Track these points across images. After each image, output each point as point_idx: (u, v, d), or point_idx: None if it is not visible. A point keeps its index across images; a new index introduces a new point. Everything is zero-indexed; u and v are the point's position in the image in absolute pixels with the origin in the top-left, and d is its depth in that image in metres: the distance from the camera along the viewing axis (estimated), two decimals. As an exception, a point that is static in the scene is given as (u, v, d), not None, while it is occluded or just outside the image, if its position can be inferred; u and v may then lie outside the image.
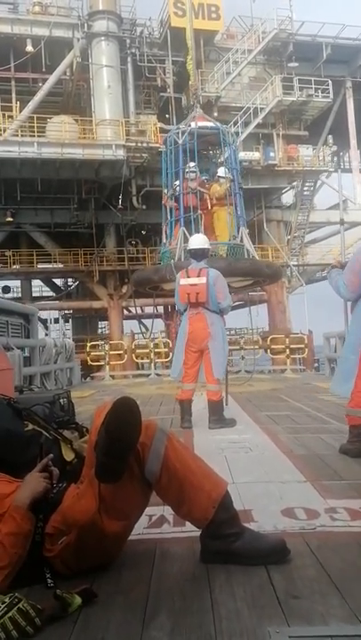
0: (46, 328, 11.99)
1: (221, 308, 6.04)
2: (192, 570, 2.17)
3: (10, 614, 1.71)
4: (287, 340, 16.70)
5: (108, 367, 16.12)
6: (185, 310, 6.07)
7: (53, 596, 1.82)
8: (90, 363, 17.81)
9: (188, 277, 6.00)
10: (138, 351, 17.56)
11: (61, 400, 3.94)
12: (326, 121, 30.76)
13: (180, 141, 12.29)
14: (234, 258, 12.09)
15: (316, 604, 1.85)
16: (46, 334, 11.60)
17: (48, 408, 3.24)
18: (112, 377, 15.70)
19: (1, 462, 2.39)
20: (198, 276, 5.93)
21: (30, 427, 2.68)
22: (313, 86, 28.46)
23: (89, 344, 18.40)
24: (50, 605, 1.79)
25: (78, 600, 1.85)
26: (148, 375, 15.43)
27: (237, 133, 27.18)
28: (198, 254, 6.20)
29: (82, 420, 3.04)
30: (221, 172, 12.90)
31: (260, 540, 2.27)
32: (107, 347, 17.08)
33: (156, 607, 1.87)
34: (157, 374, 15.28)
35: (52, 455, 2.33)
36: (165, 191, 13.15)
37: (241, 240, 12.70)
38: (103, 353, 16.63)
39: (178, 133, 12.49)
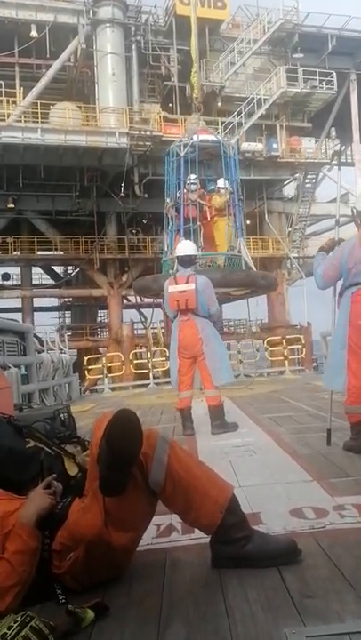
0: (42, 344, 11.95)
1: (210, 314, 6.03)
2: (204, 576, 2.17)
3: (23, 633, 1.69)
4: (284, 341, 16.78)
5: (106, 380, 16.09)
6: (175, 317, 6.07)
7: (65, 611, 1.82)
8: (89, 377, 17.85)
9: (177, 284, 5.99)
10: (136, 361, 17.59)
11: (62, 415, 3.95)
12: (330, 113, 30.68)
13: (183, 153, 12.42)
14: (230, 269, 12.21)
15: (331, 603, 1.85)
16: (43, 350, 11.58)
17: (49, 424, 3.24)
18: (111, 389, 15.64)
19: (3, 480, 2.38)
20: (187, 283, 5.91)
21: (32, 443, 2.67)
22: (317, 78, 28.33)
23: (87, 358, 18.39)
24: (63, 621, 1.78)
25: (91, 614, 1.85)
26: (147, 385, 15.43)
27: (241, 124, 27.18)
28: (185, 261, 6.18)
29: (83, 433, 3.03)
30: (221, 183, 13.06)
31: (271, 541, 2.27)
32: (104, 359, 17.10)
33: (170, 616, 1.86)
34: (156, 383, 15.19)
35: (55, 475, 2.31)
36: (168, 200, 13.31)
37: (239, 251, 12.83)
38: (101, 366, 16.63)
39: (180, 146, 12.64)
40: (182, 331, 5.94)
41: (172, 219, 13.14)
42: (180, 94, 27.63)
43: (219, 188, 12.93)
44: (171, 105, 27.90)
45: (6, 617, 1.78)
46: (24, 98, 25.07)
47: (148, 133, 25.61)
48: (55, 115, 25.00)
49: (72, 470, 2.54)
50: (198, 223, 12.26)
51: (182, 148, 12.59)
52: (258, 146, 28.08)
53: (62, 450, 2.66)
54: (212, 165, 14.31)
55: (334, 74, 28.40)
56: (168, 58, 28.15)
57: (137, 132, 25.38)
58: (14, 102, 24.84)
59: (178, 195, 12.80)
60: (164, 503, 2.20)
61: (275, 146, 28.47)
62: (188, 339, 5.88)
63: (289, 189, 32.82)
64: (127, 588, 2.13)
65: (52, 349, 12.51)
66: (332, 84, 28.47)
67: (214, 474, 2.27)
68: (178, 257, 6.36)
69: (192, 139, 12.63)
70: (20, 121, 24.40)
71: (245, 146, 27.64)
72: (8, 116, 24.27)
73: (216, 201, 12.67)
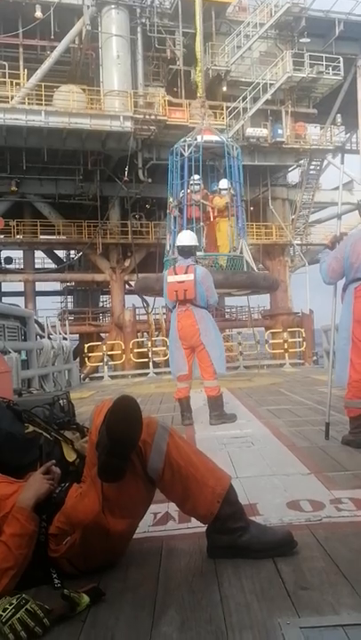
0: (43, 330, 11.95)
1: (209, 304, 6.06)
2: (200, 565, 2.19)
3: (18, 615, 1.70)
4: (285, 334, 16.79)
5: (106, 368, 16.15)
6: (173, 307, 6.09)
7: (61, 595, 1.83)
8: (89, 364, 17.86)
9: (176, 275, 6.00)
10: (136, 350, 17.63)
11: (61, 401, 3.97)
12: (336, 99, 30.39)
13: (187, 154, 12.35)
14: (233, 269, 12.21)
15: (326, 595, 1.86)
16: (43, 336, 11.56)
17: (48, 410, 3.20)
18: (111, 377, 15.69)
19: (2, 464, 2.40)
20: (186, 273, 5.92)
21: (31, 428, 2.66)
22: (324, 63, 28.02)
23: (87, 346, 18.41)
24: (58, 605, 1.79)
25: (86, 599, 1.86)
26: (147, 374, 15.48)
27: (246, 109, 26.97)
28: (185, 251, 6.19)
29: (82, 420, 3.03)
30: (223, 184, 13.01)
31: (267, 532, 2.28)
32: (104, 347, 17.17)
33: (165, 603, 1.88)
34: (156, 373, 15.25)
35: (54, 461, 2.32)
36: (171, 199, 13.29)
37: (241, 252, 12.82)
38: (102, 353, 16.68)
39: (185, 145, 12.58)
40: (180, 321, 5.95)
41: (175, 218, 13.12)
42: (185, 78, 27.38)
43: (220, 189, 12.91)
44: (176, 89, 27.67)
45: (2, 599, 1.80)
46: (28, 80, 24.82)
47: (153, 117, 25.42)
48: (59, 97, 24.79)
49: (70, 456, 2.55)
50: (201, 223, 12.25)
51: (186, 147, 12.48)
52: (263, 131, 27.89)
53: (61, 436, 2.66)
54: (215, 165, 14.25)
55: (341, 59, 28.07)
56: (173, 41, 27.86)
57: (141, 116, 25.19)
58: (18, 84, 24.63)
59: (181, 195, 12.79)
60: (161, 491, 2.22)
61: (280, 132, 28.26)
62: (187, 329, 5.90)
63: (293, 176, 32.70)
64: (123, 575, 2.15)
65: (53, 335, 12.54)
66: (339, 70, 28.16)
67: (213, 463, 2.28)
68: (178, 247, 6.36)
69: (196, 139, 12.53)
70: (24, 103, 24.21)
71: (250, 131, 27.46)
72: (12, 98, 24.07)
73: (218, 202, 12.68)
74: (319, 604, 1.81)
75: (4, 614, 1.72)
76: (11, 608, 1.73)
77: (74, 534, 2.08)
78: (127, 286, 30.68)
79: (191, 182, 12.56)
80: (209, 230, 12.63)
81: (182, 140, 13.56)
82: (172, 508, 2.57)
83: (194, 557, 2.27)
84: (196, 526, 2.39)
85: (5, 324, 8.88)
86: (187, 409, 5.99)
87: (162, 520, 2.72)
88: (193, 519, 2.37)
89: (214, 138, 13.31)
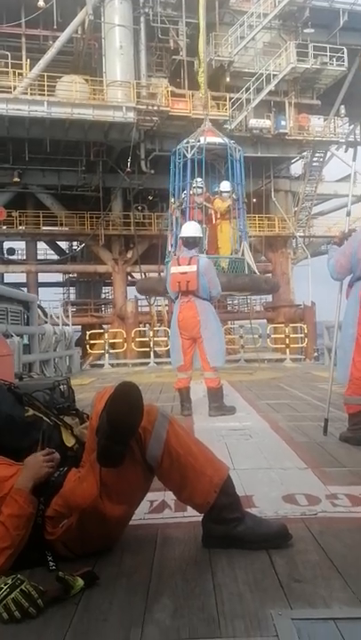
0: (45, 315, 12.00)
1: (212, 296, 6.06)
2: (194, 554, 2.20)
3: (12, 595, 1.73)
4: (287, 328, 16.80)
5: (107, 356, 16.20)
6: (176, 298, 6.10)
7: (55, 578, 1.85)
8: (90, 351, 17.90)
9: (179, 265, 6.00)
10: (138, 339, 17.68)
11: (61, 387, 3.98)
12: (340, 90, 30.16)
13: (190, 155, 12.30)
14: (235, 272, 12.21)
15: (319, 588, 1.88)
16: (46, 322, 11.58)
17: (48, 394, 3.24)
18: (112, 365, 15.74)
19: (1, 447, 2.42)
20: (189, 264, 5.92)
21: (31, 412, 2.68)
22: (328, 54, 27.78)
23: (89, 333, 18.45)
24: (52, 587, 1.81)
25: (80, 582, 1.87)
26: (148, 363, 15.53)
27: (249, 100, 26.84)
28: (190, 242, 6.18)
29: (82, 406, 3.04)
30: (224, 186, 12.98)
31: (262, 524, 2.30)
32: (106, 335, 17.23)
33: (158, 590, 1.90)
34: (157, 362, 15.29)
35: (54, 450, 2.34)
36: (172, 201, 13.25)
37: (242, 254, 12.82)
38: (103, 342, 16.73)
39: (187, 147, 12.52)
40: (182, 312, 5.97)
41: (176, 219, 13.08)
42: (188, 69, 27.23)
43: (222, 191, 12.90)
44: (179, 80, 27.52)
45: None
46: (30, 70, 24.71)
47: (156, 108, 25.30)
48: (62, 88, 24.68)
49: (69, 441, 2.57)
50: (204, 226, 12.26)
51: (189, 149, 12.42)
52: (266, 122, 27.75)
53: (61, 420, 2.68)
54: (217, 166, 14.19)
55: (345, 50, 27.82)
56: (177, 31, 27.66)
57: (144, 107, 25.06)
58: (20, 74, 24.53)
59: (183, 196, 12.76)
60: (159, 479, 2.23)
61: (283, 123, 28.12)
62: (188, 320, 5.91)
63: (296, 168, 32.57)
64: (118, 560, 2.17)
65: (56, 323, 12.57)
66: (343, 61, 27.90)
67: (211, 454, 2.29)
68: (182, 238, 6.35)
69: (199, 140, 12.48)
70: (27, 93, 24.12)
71: (253, 122, 27.32)
72: (14, 89, 23.98)
73: (220, 205, 12.69)
74: (312, 597, 1.82)
75: None
76: (5, 588, 1.76)
77: (71, 518, 2.10)
78: (129, 278, 30.69)
79: (194, 185, 12.54)
80: (210, 232, 12.64)
81: (185, 141, 13.46)
82: (169, 496, 2.58)
83: (189, 546, 2.29)
84: (192, 515, 2.40)
85: (9, 308, 8.89)
86: (186, 399, 6.02)
87: (158, 508, 2.74)
88: (189, 508, 2.38)
89: (217, 140, 13.23)
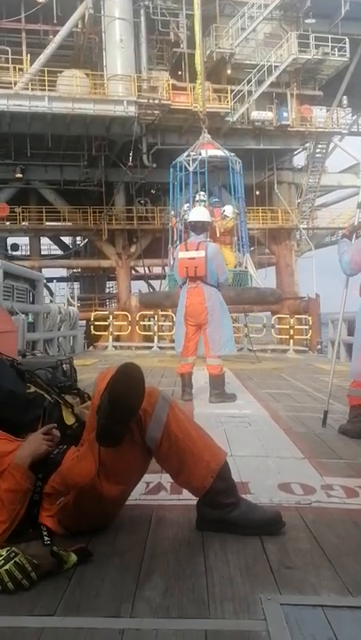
0: (51, 294, 12.07)
1: (220, 282, 6.04)
2: (187, 536, 2.22)
3: (7, 567, 1.76)
4: (292, 320, 16.80)
5: (111, 337, 16.25)
6: (183, 283, 6.08)
7: (50, 552, 1.88)
8: (94, 332, 17.98)
9: (187, 251, 5.98)
10: (142, 323, 17.73)
11: (64, 366, 3.99)
12: (342, 81, 29.98)
13: (192, 169, 12.22)
14: (239, 285, 12.17)
15: (309, 575, 1.89)
16: (51, 301, 11.62)
17: (51, 373, 3.26)
18: (115, 347, 15.77)
19: (2, 422, 2.44)
20: (197, 250, 5.89)
21: (32, 389, 2.72)
22: (330, 44, 27.62)
23: (93, 314, 18.49)
24: (46, 562, 1.84)
25: (74, 558, 1.91)
26: (151, 348, 15.57)
27: (250, 92, 26.73)
28: (198, 227, 6.16)
29: (84, 386, 3.06)
30: (228, 211, 12.94)
31: (256, 511, 2.31)
32: (111, 317, 17.24)
33: (150, 569, 1.92)
34: (160, 347, 15.32)
35: (55, 425, 2.37)
36: (172, 213, 13.18)
37: (245, 267, 12.81)
38: (108, 323, 16.76)
39: (189, 160, 12.43)
40: (189, 298, 5.95)
41: (179, 233, 12.92)
42: (189, 61, 27.11)
43: (225, 215, 12.88)
44: (180, 73, 27.42)
45: None
46: (31, 65, 24.68)
47: (157, 102, 25.26)
48: (62, 82, 24.65)
49: (69, 420, 2.58)
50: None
51: (191, 162, 12.34)
52: (268, 115, 27.65)
53: (62, 399, 2.69)
54: (214, 177, 14.11)
55: (347, 40, 27.64)
56: (177, 24, 27.54)
57: (145, 101, 25.02)
58: (21, 69, 24.50)
59: (186, 208, 12.65)
60: (157, 461, 2.25)
61: (285, 114, 28.02)
62: (195, 306, 5.90)
63: (299, 159, 32.44)
64: (112, 539, 2.19)
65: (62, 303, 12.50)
66: (345, 51, 27.74)
67: (210, 439, 2.31)
68: (190, 222, 6.33)
69: (200, 153, 12.39)
70: (27, 89, 24.10)
71: (255, 114, 27.23)
72: (15, 84, 23.97)
73: (224, 224, 12.72)
74: (301, 584, 1.84)
75: None
76: (0, 559, 1.80)
77: (68, 495, 2.12)
78: (133, 272, 30.70)
79: (197, 199, 12.47)
80: None
81: (185, 154, 13.32)
82: (165, 478, 2.60)
83: (182, 528, 2.31)
84: (187, 498, 2.42)
85: (15, 285, 8.91)
86: (188, 384, 6.03)
87: (154, 490, 2.77)
88: (184, 491, 2.40)
89: (218, 152, 13.16)
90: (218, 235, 12.61)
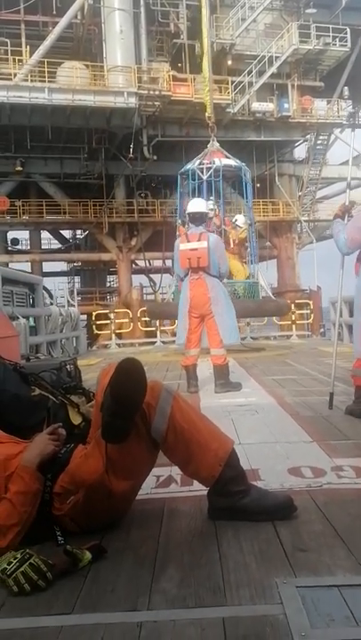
0: (51, 297, 12.11)
1: (221, 273, 6.03)
2: (200, 526, 2.23)
3: (22, 569, 1.78)
4: (293, 305, 16.81)
5: (114, 336, 16.24)
6: (185, 276, 6.03)
7: (64, 551, 1.89)
8: (96, 332, 17.99)
9: (189, 242, 5.95)
10: (144, 319, 17.72)
11: (68, 366, 4.00)
12: (343, 72, 29.80)
13: (205, 177, 11.95)
14: (252, 297, 11.99)
15: (323, 556, 1.90)
16: (52, 303, 11.64)
17: (55, 374, 3.29)
18: (118, 345, 15.79)
19: (8, 425, 2.45)
20: (199, 240, 5.86)
21: (37, 391, 2.74)
22: (330, 34, 27.44)
23: (94, 313, 18.50)
24: (61, 561, 1.86)
25: (88, 555, 1.92)
26: (154, 343, 15.57)
27: (251, 83, 26.57)
28: (197, 218, 6.12)
29: (89, 386, 3.07)
30: (240, 221, 12.81)
31: (267, 496, 2.32)
32: (112, 315, 17.21)
33: (165, 561, 1.93)
34: (163, 342, 15.37)
35: (60, 424, 2.37)
36: (179, 222, 12.87)
37: (256, 278, 12.69)
38: (109, 322, 16.74)
39: (202, 169, 12.12)
40: (192, 289, 5.92)
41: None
42: (189, 52, 26.95)
43: (237, 225, 12.79)
44: (180, 64, 27.26)
45: (7, 553, 1.87)
46: (30, 56, 24.50)
47: (157, 93, 25.09)
48: (62, 74, 24.49)
49: (76, 419, 2.60)
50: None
51: (204, 171, 12.06)
52: (269, 106, 27.51)
53: (67, 399, 2.70)
54: (229, 187, 13.88)
55: (348, 30, 27.45)
56: (177, 14, 27.34)
57: (146, 92, 24.86)
58: (20, 61, 24.33)
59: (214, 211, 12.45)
60: (164, 454, 2.25)
61: (286, 106, 27.87)
62: (198, 298, 5.88)
63: (300, 151, 32.29)
64: (125, 534, 2.19)
65: (62, 304, 12.54)
66: (346, 41, 27.58)
67: (216, 428, 2.31)
68: (189, 214, 6.29)
69: (213, 162, 12.13)
70: (27, 80, 23.93)
71: (256, 106, 27.09)
72: (14, 76, 23.80)
73: (237, 234, 12.67)
74: (316, 566, 1.85)
75: (8, 567, 1.80)
76: (15, 562, 1.81)
77: (77, 494, 2.12)
78: (134, 265, 30.62)
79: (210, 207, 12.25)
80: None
81: (197, 162, 12.71)
82: (175, 471, 2.61)
83: (195, 519, 2.31)
84: (198, 489, 2.43)
85: (14, 290, 8.97)
86: (193, 377, 6.02)
87: (164, 483, 2.77)
88: (195, 482, 2.40)
89: (231, 162, 12.84)
90: (232, 245, 12.56)
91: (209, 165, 12.19)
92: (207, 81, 16.94)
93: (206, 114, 15.90)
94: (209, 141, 13.54)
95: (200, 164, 12.46)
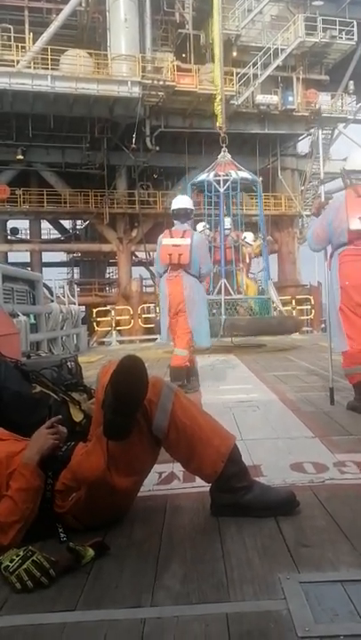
0: (51, 294, 12.08)
1: (201, 273, 5.90)
2: (203, 523, 2.22)
3: (25, 566, 1.78)
4: (294, 301, 16.75)
5: (114, 333, 16.20)
6: (164, 272, 5.90)
7: (66, 548, 1.89)
8: (97, 329, 17.97)
9: (172, 237, 5.84)
10: (144, 316, 17.67)
11: (69, 364, 3.97)
12: (348, 66, 29.63)
13: (222, 190, 11.55)
14: (265, 314, 11.67)
15: (326, 552, 1.90)
16: (52, 300, 11.62)
17: (56, 371, 3.29)
18: (119, 342, 15.77)
19: (9, 422, 2.45)
20: (182, 237, 5.77)
21: (38, 389, 2.75)
22: (337, 27, 27.29)
23: (95, 310, 18.49)
24: (63, 558, 1.86)
25: (91, 552, 1.91)
26: (155, 340, 15.54)
27: (256, 75, 26.38)
28: (181, 215, 6.01)
29: (90, 383, 3.07)
30: (249, 238, 12.69)
31: (270, 492, 2.31)
32: (113, 312, 17.18)
33: (168, 558, 1.93)
34: None
35: (60, 417, 2.36)
36: None
37: (269, 294, 12.48)
38: (110, 319, 16.70)
39: (219, 181, 11.75)
40: (170, 287, 5.80)
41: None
42: (194, 43, 26.75)
43: (246, 242, 12.65)
44: (184, 55, 27.09)
45: (9, 551, 1.87)
46: (34, 43, 24.29)
47: (161, 83, 24.95)
48: (66, 62, 24.34)
49: (77, 417, 2.61)
50: (241, 265, 11.83)
51: (221, 183, 11.73)
52: (273, 98, 27.36)
53: (68, 396, 2.71)
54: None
55: (355, 23, 27.28)
56: (183, 3, 27.18)
57: (149, 82, 24.71)
58: (24, 48, 24.13)
59: (208, 232, 12.20)
60: (166, 450, 2.24)
61: (290, 99, 27.76)
62: (174, 295, 5.76)
63: (303, 146, 32.14)
64: (128, 531, 2.19)
65: (62, 300, 12.52)
66: (352, 35, 27.42)
67: (218, 424, 2.31)
68: (173, 210, 6.17)
69: (230, 174, 11.83)
70: (30, 67, 23.76)
71: (260, 98, 26.95)
72: (17, 63, 23.61)
73: (251, 251, 12.61)
74: (319, 561, 1.84)
75: (11, 565, 1.80)
76: (17, 559, 1.80)
77: (79, 491, 2.11)
78: (134, 257, 30.51)
79: (227, 226, 11.92)
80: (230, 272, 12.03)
81: (210, 173, 12.36)
82: (177, 467, 2.62)
83: (197, 515, 2.31)
84: (201, 485, 2.42)
85: (14, 288, 8.93)
86: (192, 374, 5.93)
87: (167, 479, 2.77)
88: (197, 478, 2.40)
89: (248, 175, 12.43)
90: (248, 260, 12.39)
91: (226, 177, 11.84)
92: (219, 90, 16.67)
93: (217, 124, 15.60)
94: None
95: (216, 175, 12.07)
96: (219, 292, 10.64)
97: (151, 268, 30.33)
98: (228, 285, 10.78)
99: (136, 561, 1.92)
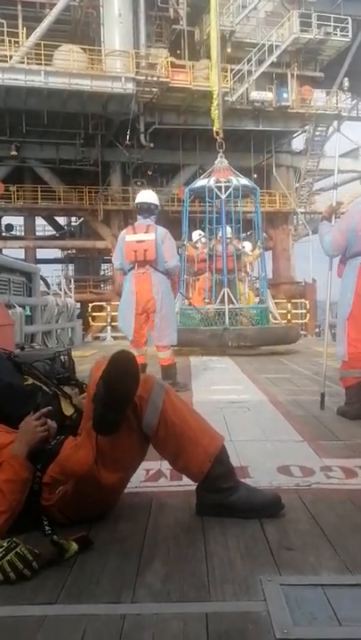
0: (48, 287, 12.05)
1: (168, 268, 5.77)
2: (187, 522, 2.23)
3: (8, 558, 1.78)
4: (289, 305, 16.66)
5: (110, 328, 16.16)
6: (130, 270, 5.78)
7: (51, 542, 1.89)
8: (92, 324, 17.92)
9: (135, 234, 5.73)
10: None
11: (62, 357, 3.97)
12: (343, 63, 29.63)
13: (224, 197, 11.27)
14: (263, 323, 11.41)
15: (308, 556, 1.91)
16: (48, 293, 11.61)
17: (49, 364, 3.25)
18: (114, 338, 15.73)
19: (1, 415, 2.46)
20: (146, 232, 5.66)
21: (30, 381, 2.73)
22: (332, 24, 27.28)
23: (91, 305, 18.46)
24: (47, 551, 1.87)
25: (75, 547, 1.92)
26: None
27: (250, 72, 26.31)
28: (145, 209, 5.91)
29: (83, 377, 3.05)
30: (247, 248, 12.53)
31: (256, 494, 2.32)
32: (108, 308, 17.13)
33: (151, 555, 1.94)
34: None
35: (50, 408, 2.36)
36: (185, 243, 12.15)
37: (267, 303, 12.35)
38: (105, 314, 16.66)
39: (220, 187, 11.50)
40: (137, 284, 5.69)
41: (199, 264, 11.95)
42: (188, 39, 26.65)
43: (246, 252, 12.38)
44: (179, 51, 26.99)
45: None
46: (27, 39, 24.15)
47: (155, 79, 24.88)
48: (59, 57, 24.22)
49: (68, 410, 2.60)
50: (243, 274, 11.65)
51: (223, 189, 11.51)
52: (268, 95, 27.32)
53: (60, 390, 2.71)
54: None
55: (350, 20, 27.32)
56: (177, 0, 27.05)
57: (143, 78, 24.62)
58: (17, 43, 23.98)
59: (204, 240, 11.99)
60: (155, 447, 2.25)
61: (285, 95, 27.71)
62: (142, 293, 5.65)
63: (298, 143, 32.13)
64: (112, 526, 2.20)
65: (58, 294, 12.48)
66: (347, 32, 27.43)
67: (207, 424, 2.31)
68: (137, 204, 6.08)
69: (230, 181, 11.63)
70: (23, 63, 23.63)
71: (255, 95, 26.91)
72: (10, 58, 23.48)
73: (251, 260, 12.46)
74: (301, 564, 1.85)
75: None
76: (1, 550, 1.81)
77: (67, 484, 2.12)
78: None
79: (228, 236, 11.60)
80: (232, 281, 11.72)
81: (210, 180, 12.16)
82: (165, 465, 2.62)
83: (183, 514, 2.32)
84: (187, 484, 2.42)
85: (11, 279, 8.95)
86: (171, 376, 5.85)
87: (154, 476, 2.77)
88: (184, 477, 2.40)
89: (249, 183, 12.18)
90: (248, 268, 12.30)
91: (227, 184, 11.64)
92: (216, 94, 16.50)
93: (214, 128, 15.37)
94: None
95: (216, 181, 11.84)
96: (221, 302, 10.50)
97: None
98: (230, 294, 10.63)
99: (119, 557, 1.93)
